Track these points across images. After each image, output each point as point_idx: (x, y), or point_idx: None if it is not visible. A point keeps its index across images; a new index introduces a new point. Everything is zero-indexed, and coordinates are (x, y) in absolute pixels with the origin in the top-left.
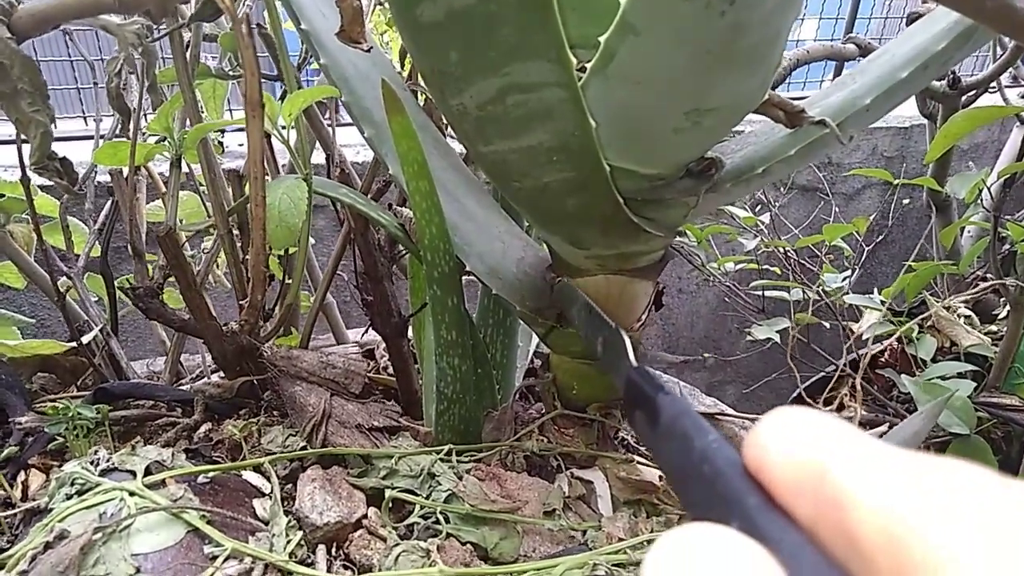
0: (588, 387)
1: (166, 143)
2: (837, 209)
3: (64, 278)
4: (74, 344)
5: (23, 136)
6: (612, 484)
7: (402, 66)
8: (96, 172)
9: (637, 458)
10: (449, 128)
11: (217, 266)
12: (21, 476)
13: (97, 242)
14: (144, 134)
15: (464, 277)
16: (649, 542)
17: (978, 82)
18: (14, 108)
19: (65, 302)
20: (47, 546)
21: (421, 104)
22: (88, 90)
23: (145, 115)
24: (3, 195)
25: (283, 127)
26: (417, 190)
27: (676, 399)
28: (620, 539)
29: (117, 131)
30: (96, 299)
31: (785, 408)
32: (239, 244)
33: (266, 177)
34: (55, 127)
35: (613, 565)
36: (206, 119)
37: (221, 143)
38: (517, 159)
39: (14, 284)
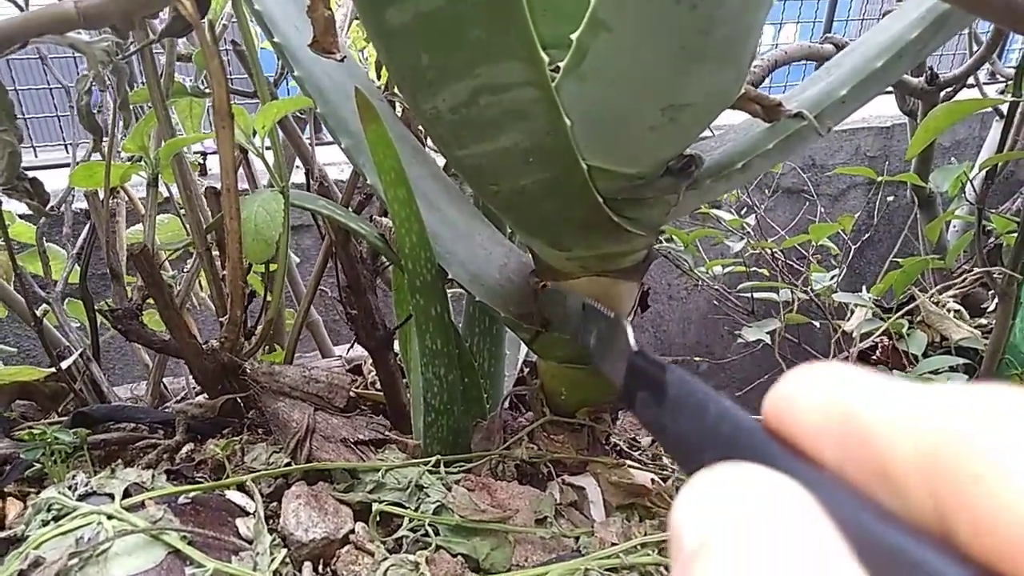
0: (577, 392)
1: (142, 163)
2: (823, 210)
3: (44, 304)
4: (53, 370)
5: None
6: (604, 489)
7: (378, 77)
8: (73, 197)
9: (629, 462)
10: (428, 138)
11: (201, 288)
12: None
13: (76, 266)
14: (120, 154)
15: (450, 289)
16: (642, 546)
17: (956, 77)
18: None
19: (43, 327)
20: (21, 574)
21: (399, 115)
22: (67, 117)
23: (122, 135)
24: None
25: (260, 144)
26: (395, 198)
27: (684, 373)
28: (613, 544)
29: (92, 154)
30: (78, 325)
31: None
32: (219, 262)
33: (243, 191)
34: (23, 148)
35: (606, 570)
36: (184, 151)
37: (202, 164)
38: (493, 162)
39: None
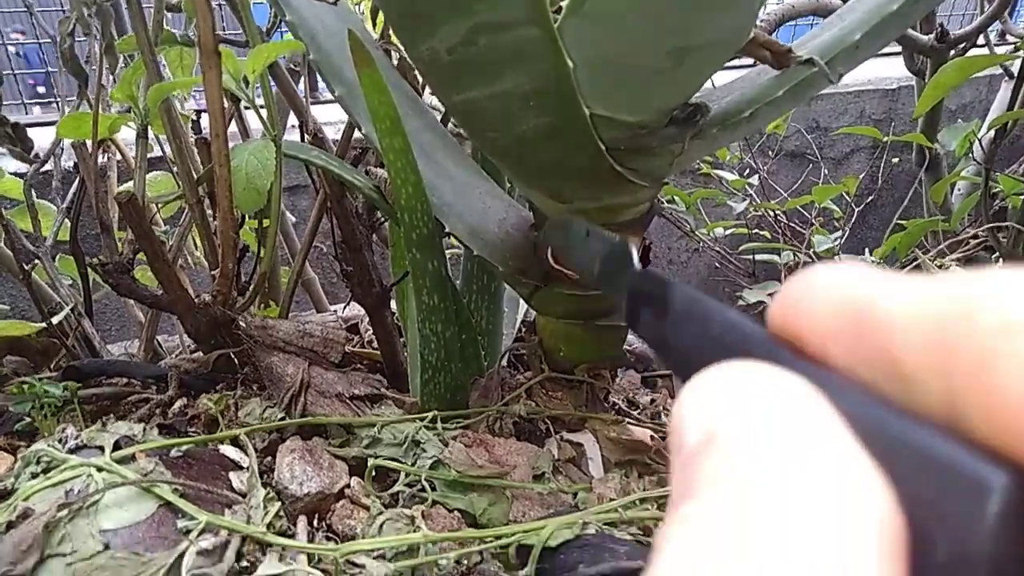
0: (576, 348)
1: (131, 114)
2: (826, 173)
3: (34, 261)
4: (44, 325)
5: None
6: (603, 446)
7: (374, 26)
8: (63, 151)
9: (628, 420)
10: (426, 88)
11: (196, 247)
12: None
13: (67, 221)
14: (110, 106)
15: (448, 250)
16: (641, 501)
17: (966, 35)
18: None
19: (33, 283)
20: (9, 525)
21: (395, 65)
22: (57, 73)
23: (110, 85)
24: None
25: (251, 92)
26: (391, 147)
27: (688, 288)
28: (611, 499)
29: (80, 105)
30: (70, 283)
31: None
32: (211, 215)
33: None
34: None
35: (604, 524)
36: (174, 96)
37: (195, 121)
38: (492, 106)
39: None
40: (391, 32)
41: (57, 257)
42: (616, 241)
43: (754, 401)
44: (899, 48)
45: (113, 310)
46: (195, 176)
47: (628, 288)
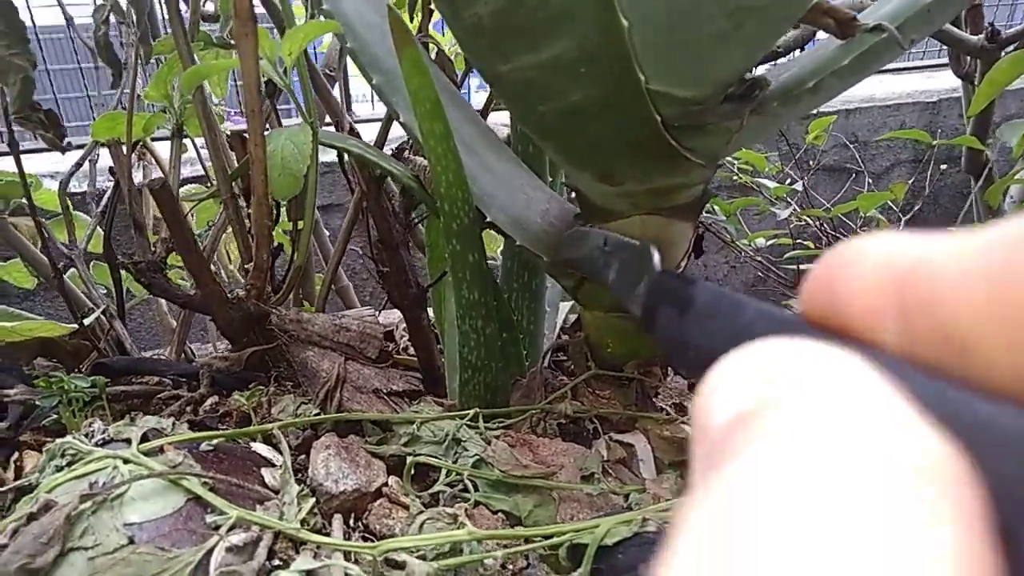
0: (625, 344)
1: (166, 114)
2: (867, 189)
3: (69, 269)
4: (76, 326)
5: (3, 86)
6: (655, 446)
7: (411, 18)
8: (98, 156)
9: (682, 418)
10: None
11: (229, 259)
12: (15, 456)
13: (99, 229)
14: (142, 104)
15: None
16: None
17: (1018, 33)
18: None
19: (66, 287)
20: (31, 518)
21: (433, 57)
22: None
23: (144, 76)
24: (1, 180)
25: (286, 76)
26: (431, 132)
27: (710, 285)
28: (667, 500)
29: (113, 104)
30: (104, 291)
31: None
32: (245, 212)
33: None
34: (35, 72)
35: (666, 522)
36: (208, 93)
37: (222, 116)
38: (540, 76)
39: (23, 283)
40: (430, 18)
41: (92, 264)
42: (638, 245)
43: (799, 373)
44: (940, 60)
45: (146, 322)
46: (229, 171)
47: (648, 289)
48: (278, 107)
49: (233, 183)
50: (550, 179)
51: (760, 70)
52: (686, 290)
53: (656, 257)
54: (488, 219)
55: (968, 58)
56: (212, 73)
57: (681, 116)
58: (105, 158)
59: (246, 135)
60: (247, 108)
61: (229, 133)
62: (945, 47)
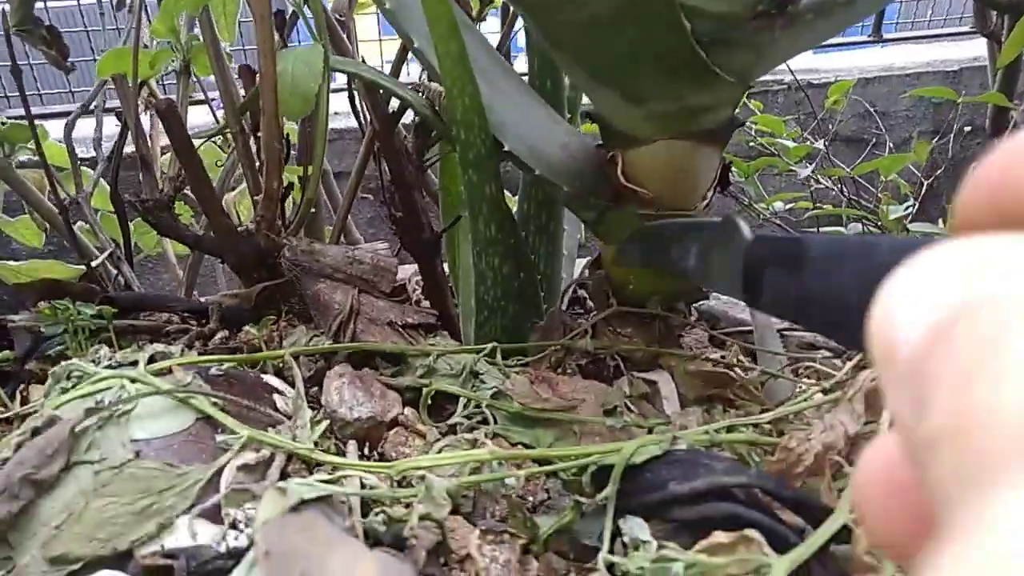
0: (647, 280)
1: (172, 49)
2: (891, 150)
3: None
4: (84, 268)
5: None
6: (679, 382)
7: None
8: (104, 101)
9: (707, 353)
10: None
11: (240, 221)
12: (21, 388)
13: (104, 178)
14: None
15: None
16: (730, 429)
17: None
18: None
19: (71, 226)
20: (35, 432)
21: None
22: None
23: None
24: (4, 123)
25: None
26: (447, 53)
27: (816, 236)
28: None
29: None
30: (113, 242)
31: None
32: (254, 146)
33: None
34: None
35: (696, 446)
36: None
37: (230, 54)
38: None
39: (31, 241)
40: None
41: (99, 214)
42: (718, 220)
43: (1012, 265)
44: (961, 28)
45: (152, 283)
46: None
47: (746, 258)
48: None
49: (242, 119)
50: (567, 117)
51: None
52: (794, 246)
53: (745, 227)
54: (506, 148)
55: (994, 14)
56: None
57: (711, 31)
58: (109, 127)
59: (254, 69)
60: (256, 14)
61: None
62: (966, 15)
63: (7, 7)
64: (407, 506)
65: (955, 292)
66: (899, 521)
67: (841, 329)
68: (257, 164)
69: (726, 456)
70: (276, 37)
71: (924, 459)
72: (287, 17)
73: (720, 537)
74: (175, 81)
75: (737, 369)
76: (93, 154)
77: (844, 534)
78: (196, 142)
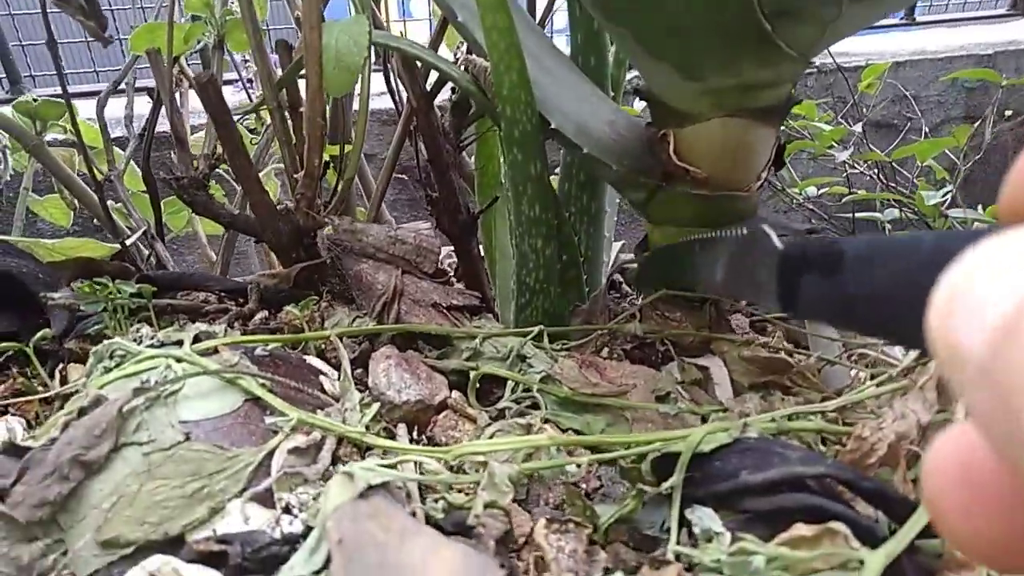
0: None
1: (206, 23)
2: (925, 136)
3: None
4: (118, 246)
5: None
6: (733, 368)
7: None
8: (136, 78)
9: (761, 339)
10: None
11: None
12: (60, 367)
13: (136, 158)
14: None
15: None
16: (793, 417)
17: None
18: None
19: (105, 203)
20: (81, 412)
21: None
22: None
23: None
24: (36, 99)
25: None
26: (494, 25)
27: (850, 237)
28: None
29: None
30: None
31: None
32: (291, 123)
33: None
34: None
35: (764, 433)
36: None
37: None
38: None
39: (59, 220)
40: None
41: (130, 193)
42: (745, 232)
43: None
44: (995, 11)
45: (179, 255)
46: (274, 80)
47: (779, 267)
48: None
49: (278, 95)
50: (611, 95)
51: None
52: (829, 249)
53: (774, 235)
54: (551, 127)
55: None
56: None
57: (775, 2)
58: (141, 107)
59: (291, 44)
60: None
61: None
62: None
63: None
64: (464, 492)
65: (1008, 294)
66: (979, 518)
67: (889, 329)
68: (294, 141)
69: (797, 445)
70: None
71: None
72: None
73: (802, 530)
74: (199, 61)
75: (792, 354)
76: (122, 133)
77: (931, 528)
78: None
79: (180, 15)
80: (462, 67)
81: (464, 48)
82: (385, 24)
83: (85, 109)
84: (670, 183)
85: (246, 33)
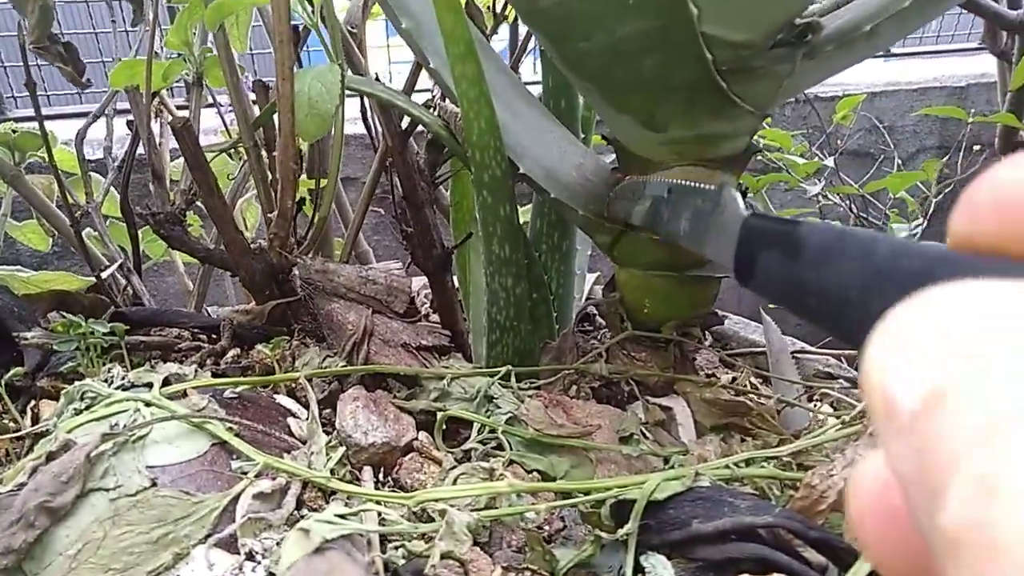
0: (662, 304)
1: (185, 61)
2: (898, 167)
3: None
4: (93, 279)
5: (22, 12)
6: (695, 409)
7: None
8: (115, 111)
9: (723, 381)
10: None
11: (247, 227)
12: (32, 404)
13: (114, 187)
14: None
15: None
16: (749, 462)
17: None
18: None
19: (82, 236)
20: (49, 457)
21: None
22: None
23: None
24: (15, 130)
25: (315, 14)
26: (463, 75)
27: (819, 223)
28: (715, 461)
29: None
30: (120, 250)
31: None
32: (267, 161)
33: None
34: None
35: (717, 480)
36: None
37: (242, 67)
38: (587, 7)
39: (38, 245)
40: None
41: (108, 223)
42: (712, 190)
43: (1006, 330)
44: (968, 44)
45: (160, 292)
46: (250, 119)
47: (741, 235)
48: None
49: (255, 133)
50: (582, 137)
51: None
52: (792, 231)
53: (740, 200)
54: (520, 171)
55: (1005, 34)
56: (237, 8)
57: (731, 60)
58: (120, 128)
59: (268, 84)
60: (276, 37)
61: (252, 82)
62: (974, 31)
63: (24, 21)
64: (425, 539)
65: (941, 362)
66: (899, 552)
67: (836, 324)
68: (270, 179)
69: (749, 493)
70: None
71: (941, 549)
72: (300, 31)
73: None
74: (183, 85)
75: (752, 396)
76: (101, 156)
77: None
78: (209, 153)
79: (161, 48)
80: (435, 112)
81: (438, 92)
82: (362, 61)
83: (67, 130)
84: (634, 228)
85: (221, 78)
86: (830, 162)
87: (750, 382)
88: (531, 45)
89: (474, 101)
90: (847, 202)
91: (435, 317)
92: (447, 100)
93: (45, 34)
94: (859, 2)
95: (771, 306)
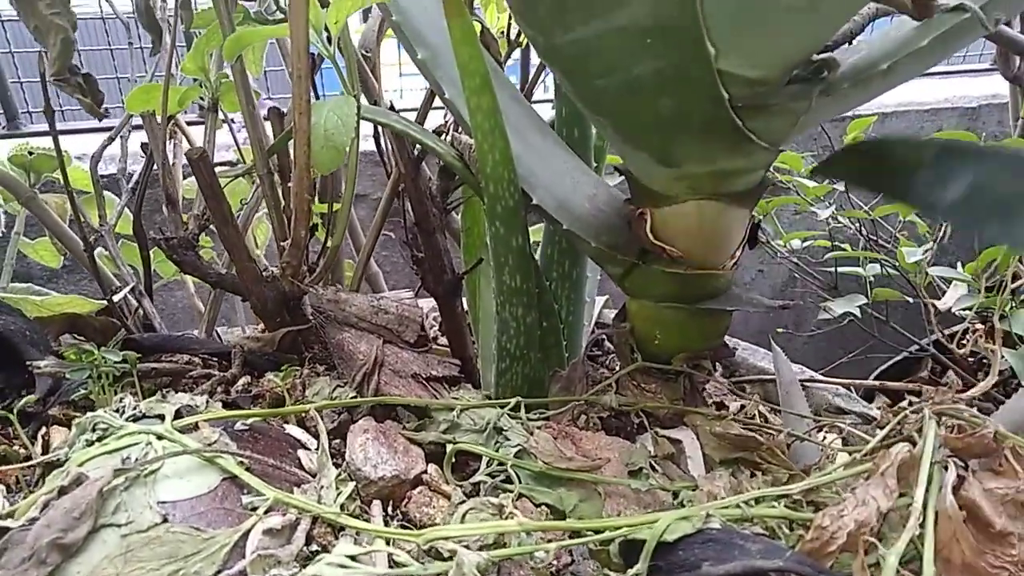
0: (673, 336)
1: (201, 86)
2: None
3: (98, 248)
4: (104, 302)
5: (44, 44)
6: (705, 442)
7: None
8: (129, 132)
9: (731, 408)
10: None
11: (257, 246)
12: (43, 431)
13: (128, 208)
14: (177, 79)
15: None
16: (759, 500)
17: None
18: (32, 12)
19: (94, 257)
20: (61, 491)
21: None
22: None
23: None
24: (32, 152)
25: (332, 47)
26: (479, 107)
27: None
28: (722, 498)
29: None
30: (132, 271)
31: None
32: (280, 188)
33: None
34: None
35: (727, 520)
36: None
37: (258, 92)
38: (604, 45)
39: (49, 262)
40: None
41: (120, 244)
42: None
43: None
44: (980, 65)
45: (168, 307)
46: (265, 146)
47: None
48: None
49: (269, 160)
50: (595, 165)
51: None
52: None
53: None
54: (533, 201)
55: (1018, 59)
56: (255, 40)
57: (747, 97)
58: (135, 143)
59: (283, 111)
60: (294, 72)
61: (267, 109)
62: (985, 52)
63: (46, 53)
64: None
65: None
66: None
67: None
68: (283, 205)
69: (758, 533)
70: None
71: None
72: (315, 58)
73: None
74: (197, 108)
75: (763, 431)
76: (114, 171)
77: None
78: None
79: (177, 71)
80: (449, 141)
81: (451, 120)
82: (376, 86)
83: (83, 145)
84: (646, 260)
85: (236, 103)
86: (840, 185)
87: (759, 411)
88: (544, 73)
89: (488, 133)
90: (856, 224)
91: (443, 340)
92: (460, 130)
93: (66, 66)
94: (875, 40)
95: (779, 330)
